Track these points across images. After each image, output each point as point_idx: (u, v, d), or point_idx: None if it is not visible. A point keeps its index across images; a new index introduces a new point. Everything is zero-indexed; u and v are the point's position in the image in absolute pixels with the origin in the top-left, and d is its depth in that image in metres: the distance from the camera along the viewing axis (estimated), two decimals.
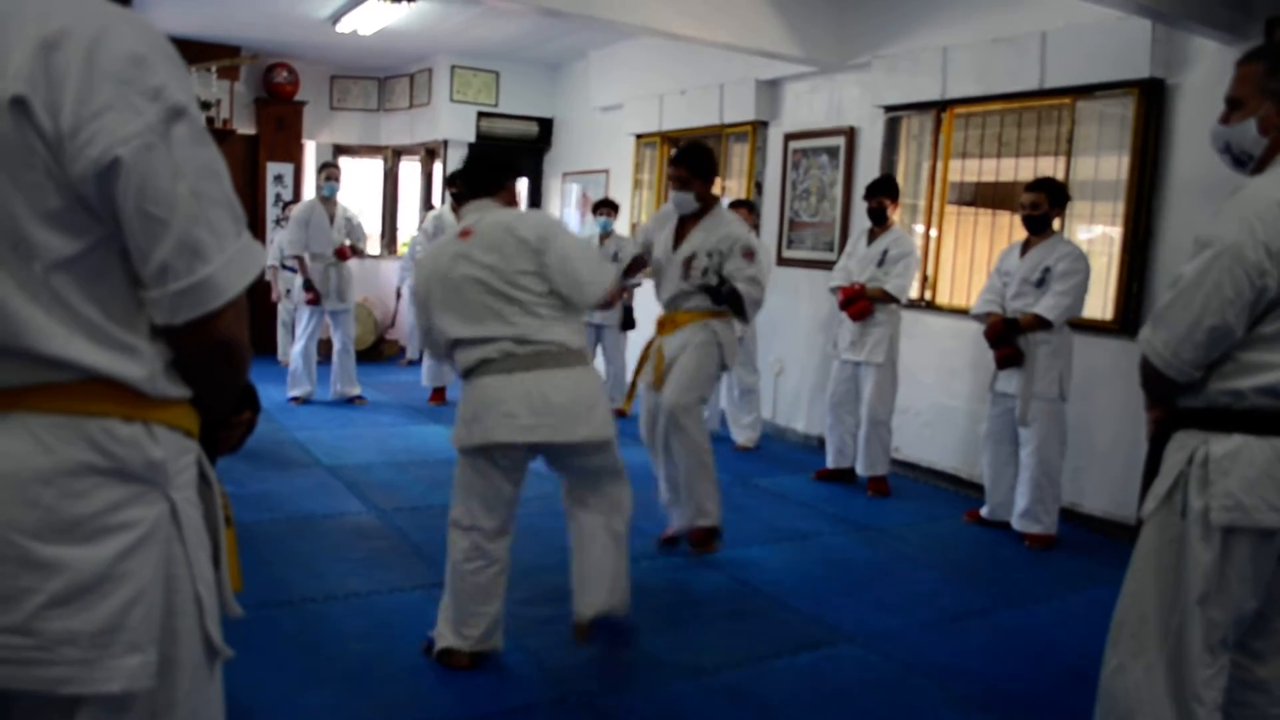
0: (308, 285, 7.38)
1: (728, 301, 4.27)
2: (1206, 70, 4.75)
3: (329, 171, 7.53)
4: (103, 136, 1.14)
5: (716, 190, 4.60)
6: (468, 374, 3.06)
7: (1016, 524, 4.95)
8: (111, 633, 1.20)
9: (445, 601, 3.17)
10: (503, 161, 3.30)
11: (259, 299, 9.01)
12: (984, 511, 5.19)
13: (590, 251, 3.22)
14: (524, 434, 2.96)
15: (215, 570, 1.37)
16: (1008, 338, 4.82)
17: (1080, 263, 4.72)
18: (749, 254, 4.27)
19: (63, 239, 1.17)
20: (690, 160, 4.31)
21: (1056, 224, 4.93)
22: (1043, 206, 4.80)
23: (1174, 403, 2.19)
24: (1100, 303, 5.11)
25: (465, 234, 3.07)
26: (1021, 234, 5.04)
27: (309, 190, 10.64)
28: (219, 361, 1.31)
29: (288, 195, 10.08)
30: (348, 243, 7.47)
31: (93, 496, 1.20)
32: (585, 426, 3.03)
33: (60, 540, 1.18)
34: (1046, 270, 4.76)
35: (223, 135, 9.48)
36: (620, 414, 4.38)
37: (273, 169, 10.14)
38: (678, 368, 4.30)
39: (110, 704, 1.23)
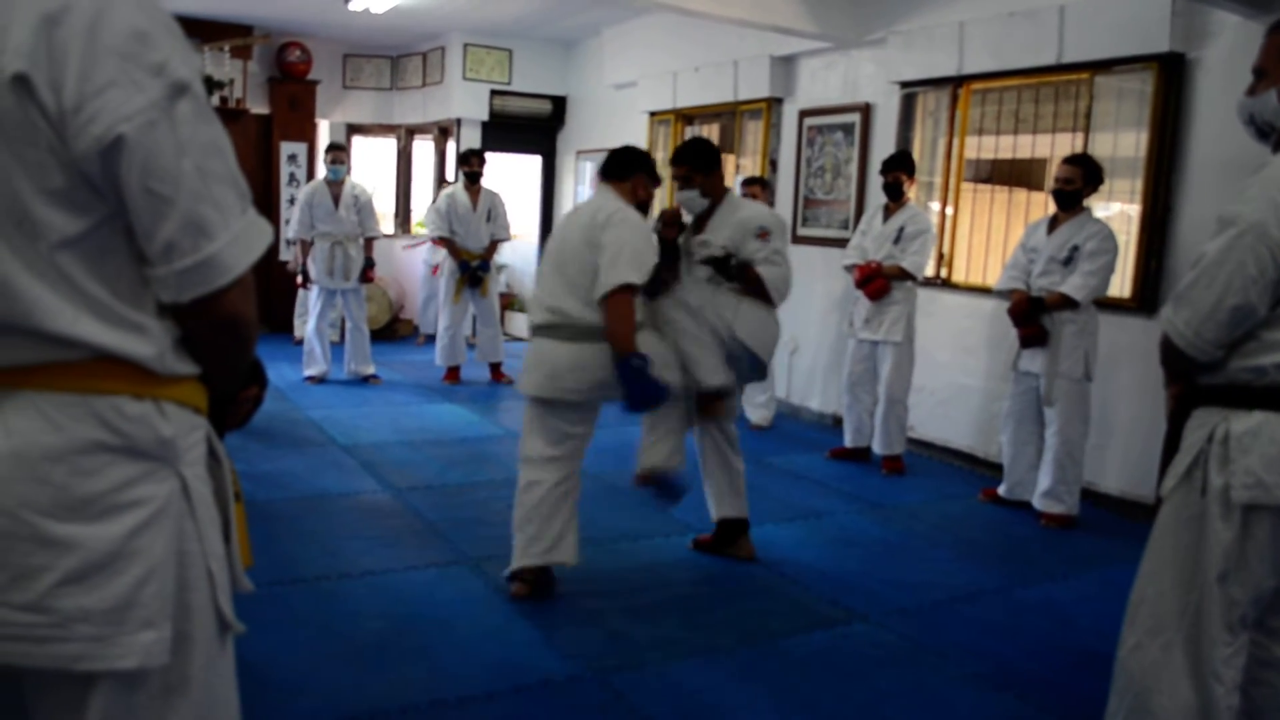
0: (304, 270, 7.57)
1: (744, 282, 3.88)
2: (1227, 44, 4.67)
3: (335, 154, 7.54)
4: (106, 114, 1.13)
5: (729, 180, 4.26)
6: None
7: (1038, 503, 4.92)
8: (125, 609, 1.21)
9: None
10: (629, 158, 3.74)
11: (272, 276, 9.03)
12: (1001, 490, 5.16)
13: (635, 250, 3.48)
14: None
15: (226, 546, 1.37)
16: (1033, 316, 4.76)
17: (1110, 242, 4.65)
18: (763, 234, 3.89)
19: (67, 217, 1.16)
20: (689, 156, 3.98)
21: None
22: (1076, 182, 4.70)
23: (1194, 379, 2.17)
24: (1119, 281, 5.05)
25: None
26: (1039, 211, 4.97)
27: (322, 170, 10.65)
28: (226, 338, 1.30)
29: (301, 175, 10.08)
30: (361, 241, 7.53)
31: (103, 474, 1.20)
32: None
33: (72, 518, 1.18)
34: (1075, 248, 4.69)
35: (235, 115, 9.47)
36: None
37: (286, 149, 10.13)
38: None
39: (125, 680, 1.23)
